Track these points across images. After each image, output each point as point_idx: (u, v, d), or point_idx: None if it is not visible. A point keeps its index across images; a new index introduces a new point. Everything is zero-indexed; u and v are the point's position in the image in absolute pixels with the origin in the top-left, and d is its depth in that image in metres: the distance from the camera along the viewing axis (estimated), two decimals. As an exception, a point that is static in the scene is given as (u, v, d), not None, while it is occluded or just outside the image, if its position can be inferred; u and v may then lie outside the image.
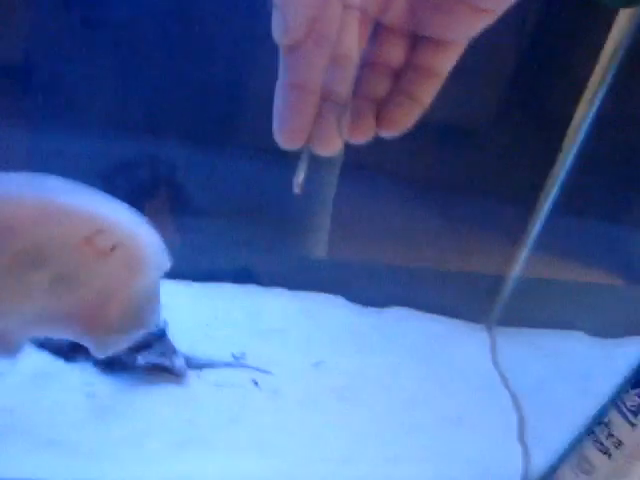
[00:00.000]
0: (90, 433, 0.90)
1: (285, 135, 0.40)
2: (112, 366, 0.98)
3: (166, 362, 1.00)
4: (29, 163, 1.12)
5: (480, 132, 1.23)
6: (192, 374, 1.03)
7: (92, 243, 0.53)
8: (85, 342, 0.60)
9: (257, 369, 1.07)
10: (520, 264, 1.21)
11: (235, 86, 1.10)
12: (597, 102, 1.03)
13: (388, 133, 0.40)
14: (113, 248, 0.55)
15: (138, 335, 0.61)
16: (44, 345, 0.99)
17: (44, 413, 0.92)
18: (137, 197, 1.17)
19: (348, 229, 1.26)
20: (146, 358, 0.99)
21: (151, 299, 0.61)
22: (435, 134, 1.05)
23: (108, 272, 0.55)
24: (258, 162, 1.13)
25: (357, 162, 1.12)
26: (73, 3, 1.01)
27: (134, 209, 0.59)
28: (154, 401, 0.97)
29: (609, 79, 1.01)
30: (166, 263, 0.61)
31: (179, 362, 1.01)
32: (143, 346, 0.98)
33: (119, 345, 0.62)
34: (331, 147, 0.41)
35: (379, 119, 0.40)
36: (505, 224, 1.23)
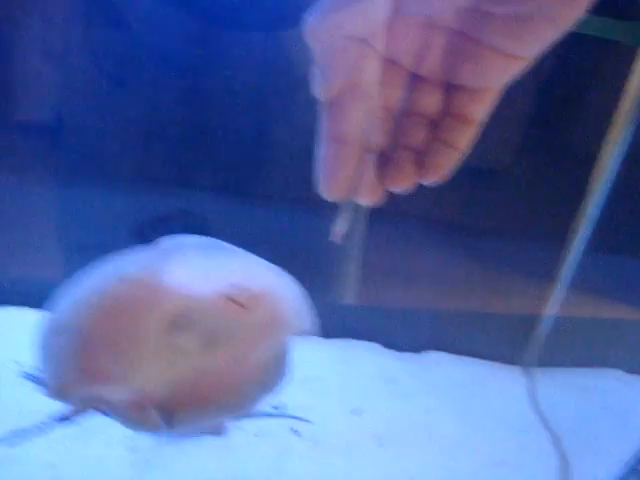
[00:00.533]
0: (133, 486, 0.91)
1: (329, 187, 0.41)
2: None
3: (206, 414, 1.00)
4: (62, 218, 1.15)
5: (507, 172, 1.23)
6: (232, 425, 1.03)
7: (232, 299, 0.54)
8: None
9: (296, 418, 1.07)
10: (554, 303, 1.21)
11: (264, 138, 1.13)
12: (624, 138, 1.04)
13: (429, 180, 0.41)
14: (253, 301, 0.55)
15: (269, 396, 0.59)
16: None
17: (86, 468, 0.93)
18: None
19: (380, 275, 1.26)
20: (186, 410, 0.99)
21: (285, 355, 0.61)
22: (463, 176, 1.06)
23: (250, 326, 0.56)
24: (286, 212, 1.14)
25: (384, 207, 1.13)
26: (103, 61, 1.05)
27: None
28: (195, 453, 0.98)
29: (634, 115, 1.02)
30: (307, 317, 0.61)
31: (219, 413, 1.01)
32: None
33: (252, 407, 0.60)
34: (374, 197, 0.42)
35: (420, 167, 0.41)
36: (537, 264, 1.23)
